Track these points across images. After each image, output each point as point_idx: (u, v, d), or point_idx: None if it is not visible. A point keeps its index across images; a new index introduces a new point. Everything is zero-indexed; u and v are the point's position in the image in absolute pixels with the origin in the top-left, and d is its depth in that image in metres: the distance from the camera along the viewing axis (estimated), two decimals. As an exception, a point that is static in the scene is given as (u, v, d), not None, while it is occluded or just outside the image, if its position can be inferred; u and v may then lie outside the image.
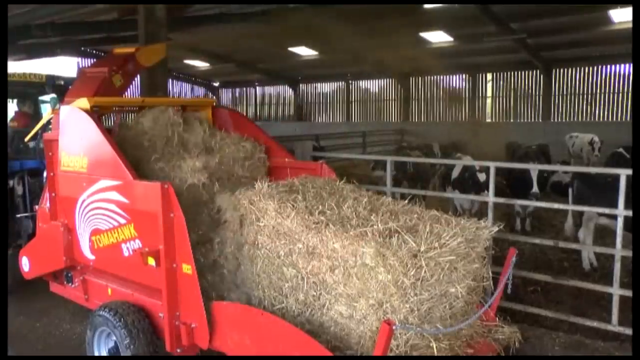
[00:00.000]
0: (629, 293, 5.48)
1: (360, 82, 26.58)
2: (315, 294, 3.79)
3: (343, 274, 3.61)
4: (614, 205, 5.38)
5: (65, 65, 22.36)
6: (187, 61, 25.04)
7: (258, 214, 4.18)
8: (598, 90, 20.34)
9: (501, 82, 22.62)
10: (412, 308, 3.34)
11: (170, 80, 26.70)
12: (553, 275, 6.37)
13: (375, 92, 26.40)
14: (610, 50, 18.83)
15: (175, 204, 4.04)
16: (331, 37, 17.98)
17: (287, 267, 3.96)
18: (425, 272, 3.38)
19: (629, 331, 5.34)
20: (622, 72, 19.80)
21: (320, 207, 4.10)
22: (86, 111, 4.80)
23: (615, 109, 20.07)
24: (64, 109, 5.03)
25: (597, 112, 20.47)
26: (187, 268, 4.03)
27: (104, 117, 5.69)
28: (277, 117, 30.25)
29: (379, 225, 3.74)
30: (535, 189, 8.59)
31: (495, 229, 4.05)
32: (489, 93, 23.08)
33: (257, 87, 30.82)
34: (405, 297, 3.34)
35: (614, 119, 19.92)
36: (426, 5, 14.22)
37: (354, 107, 27.04)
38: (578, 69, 20.63)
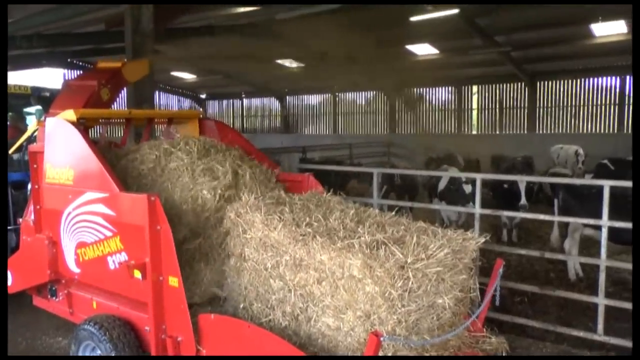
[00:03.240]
0: (613, 303, 5.56)
1: (347, 94, 26.70)
2: (302, 306, 3.78)
3: (330, 285, 3.60)
4: (599, 216, 5.44)
5: (50, 77, 22.26)
6: (173, 73, 25.01)
7: (245, 226, 4.17)
8: (581, 103, 20.62)
9: (487, 95, 22.85)
10: (400, 319, 3.34)
11: (156, 92, 26.65)
12: (539, 285, 6.42)
13: (362, 104, 26.53)
14: (592, 64, 19.15)
15: (162, 216, 4.02)
16: (318, 50, 18.08)
17: (274, 279, 3.94)
18: (412, 283, 3.38)
19: (614, 340, 5.39)
20: (604, 85, 20.11)
21: (307, 219, 4.10)
22: (72, 123, 4.77)
23: (598, 121, 20.35)
24: (50, 121, 4.99)
25: (580, 124, 20.74)
26: (174, 281, 4.00)
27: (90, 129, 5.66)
28: (263, 129, 30.27)
29: (366, 237, 3.74)
30: (523, 201, 8.66)
31: (482, 240, 4.07)
32: (475, 105, 23.30)
33: (244, 99, 30.85)
34: (392, 308, 3.34)
35: (597, 131, 20.19)
36: (412, 18, 14.37)
37: (341, 119, 27.14)
38: (562, 81, 20.90)
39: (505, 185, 9.19)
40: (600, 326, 5.48)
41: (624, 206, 6.13)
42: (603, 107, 20.14)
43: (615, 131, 19.69)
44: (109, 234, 4.46)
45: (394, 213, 4.57)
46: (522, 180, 8.69)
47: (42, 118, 5.43)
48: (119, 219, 4.35)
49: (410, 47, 18.08)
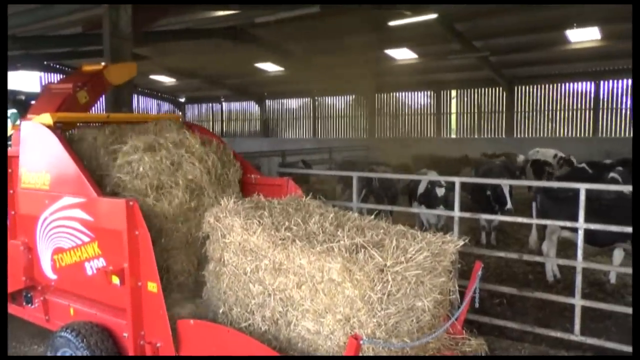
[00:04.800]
0: (589, 303, 5.66)
1: (327, 98, 26.76)
2: (282, 310, 3.77)
3: (310, 289, 3.60)
4: (576, 218, 5.52)
5: (26, 80, 21.89)
6: (152, 76, 24.84)
7: (224, 231, 4.15)
8: (558, 107, 20.95)
9: (465, 99, 23.08)
10: (380, 322, 3.35)
11: (135, 95, 26.44)
12: (518, 287, 6.48)
13: (342, 108, 26.62)
14: (568, 69, 19.49)
15: (140, 221, 3.99)
16: (297, 54, 18.11)
17: (254, 283, 3.93)
18: (391, 286, 3.40)
19: (590, 340, 5.49)
20: (579, 90, 20.47)
21: (286, 223, 4.10)
22: (49, 127, 4.71)
23: (574, 125, 20.69)
24: (26, 125, 4.93)
25: (557, 128, 21.06)
26: (153, 286, 3.96)
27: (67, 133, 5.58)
28: (243, 133, 30.19)
29: (346, 240, 3.75)
30: (509, 205, 8.67)
31: (461, 243, 4.10)
32: (454, 109, 23.52)
33: (224, 103, 30.74)
34: (372, 311, 3.35)
35: (574, 135, 20.52)
36: (391, 22, 14.47)
37: (321, 123, 27.18)
38: (539, 86, 21.23)
39: (488, 192, 9.15)
40: (577, 327, 5.56)
41: (599, 208, 6.25)
42: (578, 111, 20.51)
43: (591, 135, 20.03)
44: (86, 239, 4.41)
45: (373, 217, 4.59)
46: (505, 184, 8.71)
47: (17, 122, 5.34)
48: (97, 224, 4.30)
49: (389, 51, 18.19)
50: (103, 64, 6.78)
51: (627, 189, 6.24)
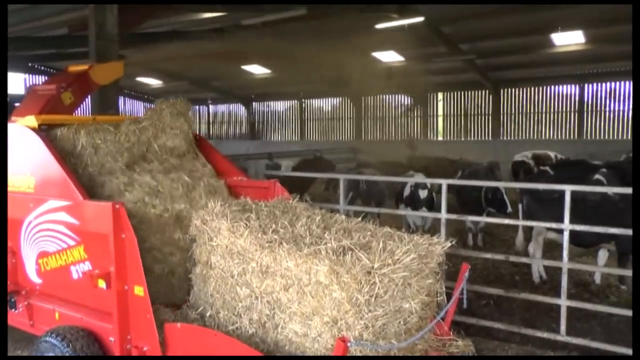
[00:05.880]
0: (575, 304, 5.70)
1: (314, 101, 26.77)
2: (269, 313, 3.77)
3: (297, 292, 3.60)
4: (562, 220, 5.56)
5: (10, 82, 21.69)
6: (139, 79, 24.69)
7: (211, 234, 4.14)
8: (543, 110, 21.12)
9: (452, 101, 23.19)
10: (367, 324, 3.36)
11: (122, 98, 26.28)
12: (505, 288, 6.52)
13: (329, 110, 26.64)
14: (553, 72, 19.67)
15: (126, 224, 3.96)
16: (284, 56, 18.10)
17: (241, 286, 3.92)
18: (379, 288, 3.40)
19: (576, 341, 5.53)
20: (565, 93, 20.66)
21: (273, 225, 4.09)
22: (34, 129, 4.67)
23: (559, 127, 20.87)
24: (10, 127, 4.87)
25: (543, 130, 21.23)
26: (139, 290, 3.94)
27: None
28: (230, 136, 30.10)
29: (333, 243, 3.75)
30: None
31: (448, 244, 4.12)
32: (440, 112, 23.61)
33: (210, 105, 30.65)
34: (359, 313, 3.35)
35: (559, 137, 20.70)
36: (378, 25, 14.51)
37: (308, 125, 27.17)
38: (525, 89, 21.39)
39: (489, 195, 9.09)
40: (563, 327, 5.60)
41: (585, 210, 6.31)
42: (564, 114, 20.70)
43: (575, 137, 20.23)
44: (72, 242, 4.37)
45: (360, 219, 4.59)
46: (503, 187, 8.70)
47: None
48: (83, 227, 4.27)
49: (376, 54, 18.24)
50: (88, 64, 6.74)
51: (611, 190, 6.33)
